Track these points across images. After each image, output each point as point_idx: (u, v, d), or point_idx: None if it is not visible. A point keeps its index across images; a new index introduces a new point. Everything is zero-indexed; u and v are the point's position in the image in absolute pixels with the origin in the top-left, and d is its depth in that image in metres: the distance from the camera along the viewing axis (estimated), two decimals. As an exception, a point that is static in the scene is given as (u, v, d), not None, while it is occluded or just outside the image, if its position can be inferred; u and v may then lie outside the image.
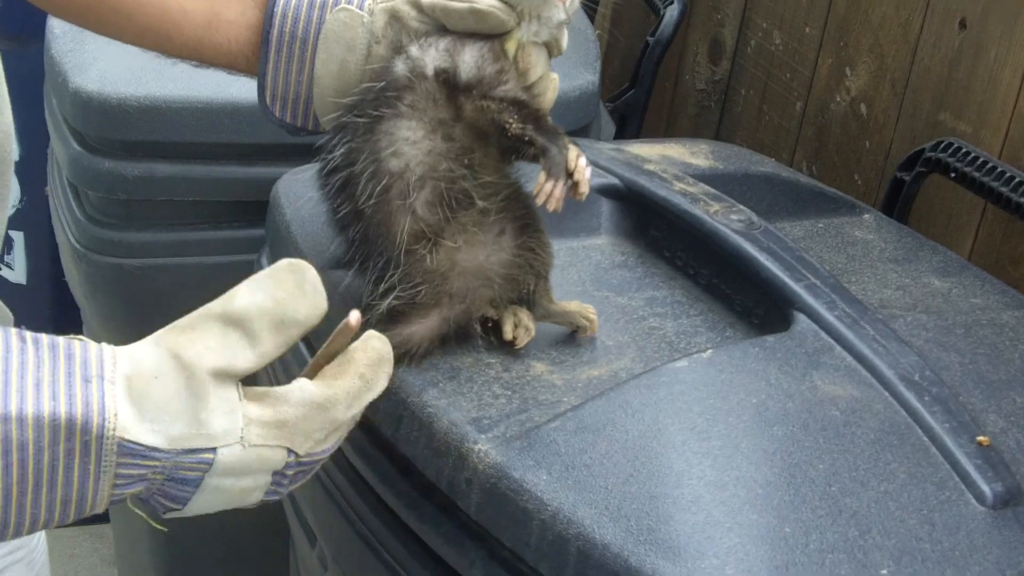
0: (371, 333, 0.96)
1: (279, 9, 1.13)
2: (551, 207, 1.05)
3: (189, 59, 1.17)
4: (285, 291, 0.89)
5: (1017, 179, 1.46)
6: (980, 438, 1.03)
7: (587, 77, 1.79)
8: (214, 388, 0.87)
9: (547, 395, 1.08)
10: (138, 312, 1.75)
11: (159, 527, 0.93)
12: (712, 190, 1.33)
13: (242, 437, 0.87)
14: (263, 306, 0.88)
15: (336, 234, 1.12)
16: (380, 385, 0.95)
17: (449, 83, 1.07)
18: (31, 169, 2.40)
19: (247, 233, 1.76)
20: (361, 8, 1.12)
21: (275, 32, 1.13)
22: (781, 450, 0.99)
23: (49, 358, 0.83)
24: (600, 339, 1.17)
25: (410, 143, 1.05)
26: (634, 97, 2.00)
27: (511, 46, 1.09)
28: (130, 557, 2.18)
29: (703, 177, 1.39)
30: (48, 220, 2.08)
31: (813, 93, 1.95)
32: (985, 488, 0.99)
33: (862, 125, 1.85)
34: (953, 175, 1.54)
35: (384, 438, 1.10)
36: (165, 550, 1.97)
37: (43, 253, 2.53)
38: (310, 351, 1.23)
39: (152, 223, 1.76)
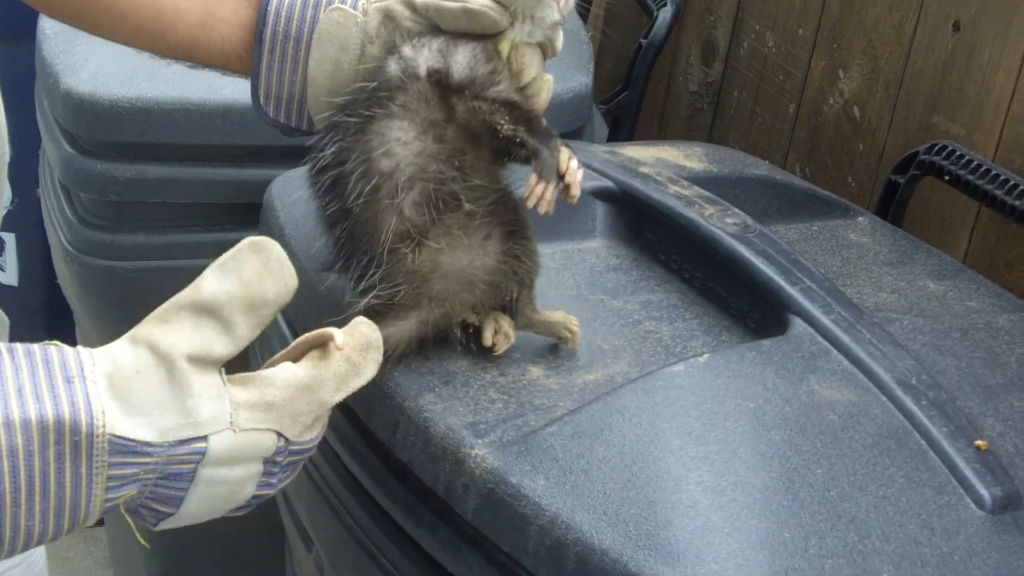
0: (359, 319, 0.96)
1: (272, 8, 1.12)
2: (542, 209, 1.04)
3: (183, 59, 1.17)
4: (251, 272, 0.89)
5: (1011, 182, 1.46)
6: (978, 442, 1.03)
7: (580, 79, 1.79)
8: (197, 376, 0.87)
9: (543, 399, 1.07)
10: (130, 314, 1.72)
11: (143, 542, 0.92)
12: (707, 193, 1.33)
13: (232, 422, 0.87)
14: (231, 291, 0.88)
15: (323, 232, 1.11)
16: (368, 371, 0.95)
17: (442, 84, 1.07)
18: (22, 170, 2.39)
19: (240, 236, 1.70)
20: (355, 8, 1.11)
21: (268, 31, 1.12)
22: (779, 455, 0.99)
23: (27, 365, 0.83)
24: (596, 343, 1.16)
25: (401, 143, 1.05)
26: (627, 99, 2.00)
27: (504, 47, 1.09)
28: (124, 561, 2.17)
29: (697, 180, 1.38)
30: (40, 222, 2.07)
31: (806, 95, 1.95)
32: (984, 492, 0.99)
33: (855, 127, 1.85)
34: (947, 178, 1.54)
35: (380, 443, 1.10)
36: (160, 554, 1.96)
37: (35, 255, 2.52)
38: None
39: (144, 225, 1.76)
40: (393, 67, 1.08)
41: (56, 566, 2.54)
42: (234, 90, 1.65)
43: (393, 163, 1.05)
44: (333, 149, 1.07)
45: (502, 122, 1.04)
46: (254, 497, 0.92)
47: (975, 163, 1.51)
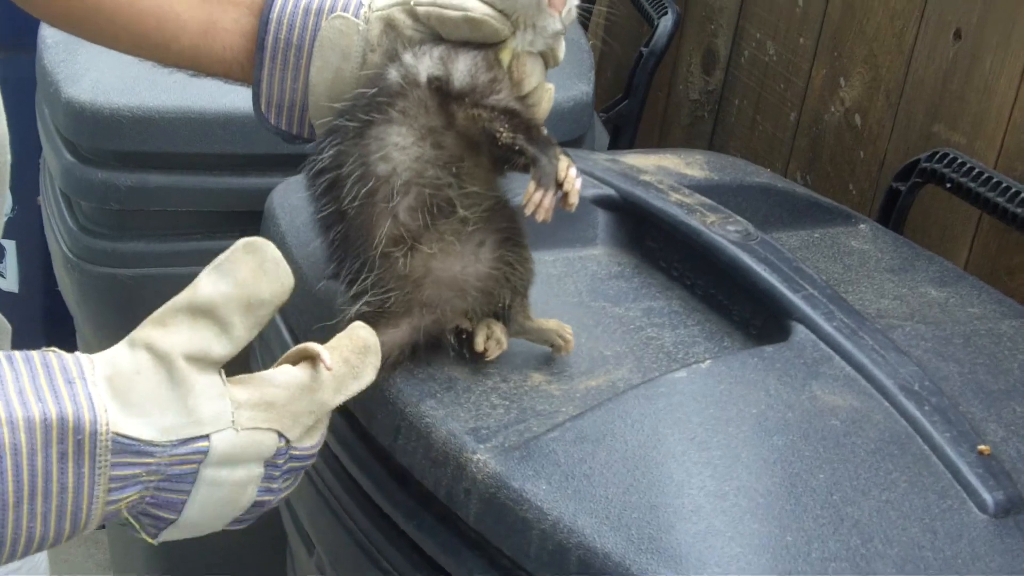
0: (357, 324, 0.97)
1: (275, 15, 1.13)
2: (539, 217, 1.04)
3: (185, 68, 1.17)
4: (247, 273, 0.89)
5: (1013, 189, 1.46)
6: (981, 447, 1.03)
7: (581, 88, 1.79)
8: (197, 376, 0.87)
9: (545, 405, 1.07)
10: (131, 321, 1.72)
11: (148, 539, 0.92)
12: (708, 201, 1.33)
13: (233, 421, 0.87)
14: (227, 292, 0.88)
15: (318, 235, 1.11)
16: (367, 375, 0.95)
17: (442, 91, 1.07)
18: (22, 178, 2.39)
19: (241, 243, 1.74)
20: (357, 16, 1.12)
21: (270, 38, 1.13)
22: (781, 460, 0.99)
23: (26, 369, 0.83)
24: (598, 349, 1.16)
25: (399, 148, 1.05)
26: (628, 107, 2.00)
27: (506, 55, 1.09)
28: (125, 563, 2.17)
29: (699, 188, 1.38)
30: (40, 229, 2.07)
31: (807, 103, 1.95)
32: (987, 497, 0.99)
33: (856, 135, 1.85)
34: (949, 186, 1.54)
35: (382, 448, 1.10)
36: (160, 557, 1.96)
37: (35, 262, 2.52)
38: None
39: (145, 233, 1.76)
40: (393, 74, 1.08)
41: (56, 568, 2.54)
42: (235, 99, 1.66)
43: (390, 167, 1.05)
44: (331, 152, 1.07)
45: (501, 130, 1.05)
46: (254, 505, 0.92)
47: (977, 171, 1.51)
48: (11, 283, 2.58)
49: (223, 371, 0.90)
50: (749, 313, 1.21)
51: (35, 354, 0.85)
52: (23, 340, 1.44)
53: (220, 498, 0.89)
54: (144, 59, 1.17)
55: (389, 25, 1.11)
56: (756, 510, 0.95)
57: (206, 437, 0.86)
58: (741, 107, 2.12)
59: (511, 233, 1.09)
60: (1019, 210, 1.45)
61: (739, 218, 1.30)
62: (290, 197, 1.37)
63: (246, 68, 1.16)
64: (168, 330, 0.88)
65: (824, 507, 0.96)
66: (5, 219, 1.48)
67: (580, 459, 0.98)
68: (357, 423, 1.13)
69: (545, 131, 1.07)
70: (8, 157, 1.29)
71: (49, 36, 1.84)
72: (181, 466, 0.86)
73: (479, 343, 1.09)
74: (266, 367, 1.33)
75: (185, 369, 0.87)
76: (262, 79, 1.14)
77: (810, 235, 1.44)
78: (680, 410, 1.03)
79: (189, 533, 0.91)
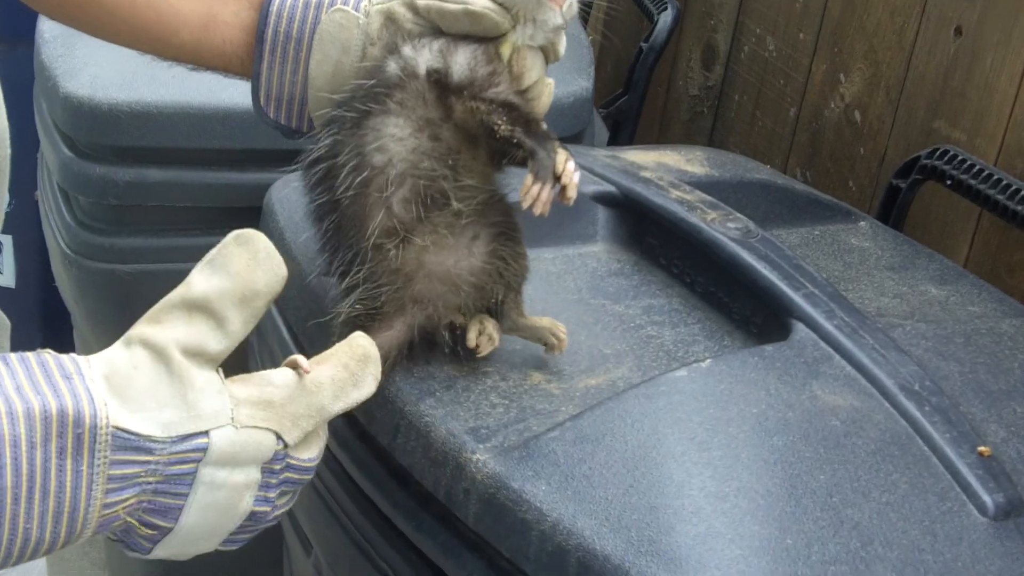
0: (357, 334, 0.97)
1: (274, 9, 1.12)
2: (537, 210, 1.03)
3: (185, 62, 1.16)
4: (240, 265, 0.89)
5: (1014, 187, 1.46)
6: (981, 448, 1.03)
7: (581, 83, 1.79)
8: (196, 371, 0.87)
9: (545, 404, 1.07)
10: (129, 317, 1.71)
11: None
12: (709, 198, 1.33)
13: (232, 418, 0.87)
14: (222, 285, 0.88)
15: (311, 225, 1.11)
16: (367, 385, 0.95)
17: (440, 83, 1.06)
18: (19, 173, 2.38)
19: (239, 239, 1.74)
20: (357, 9, 1.11)
21: (270, 31, 1.12)
22: (782, 460, 0.99)
23: (22, 368, 0.83)
24: (597, 347, 1.16)
25: (396, 139, 1.05)
26: (628, 103, 2.00)
27: (506, 49, 1.08)
28: (120, 562, 2.17)
29: (699, 184, 1.38)
30: (37, 224, 2.07)
31: (807, 99, 1.94)
32: (987, 499, 0.99)
33: (856, 132, 1.85)
34: (949, 183, 1.54)
35: (381, 447, 1.09)
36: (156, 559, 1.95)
37: (32, 257, 2.51)
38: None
39: (143, 229, 1.75)
40: (392, 66, 1.08)
41: (51, 566, 2.53)
42: (233, 94, 1.66)
43: (386, 158, 1.04)
44: (327, 142, 1.07)
45: (499, 122, 1.04)
46: (250, 517, 0.91)
47: (977, 168, 1.51)
48: (8, 278, 2.57)
49: (220, 370, 0.90)
50: (749, 311, 1.21)
51: (30, 355, 0.85)
52: (19, 336, 1.44)
53: (218, 503, 0.88)
54: (144, 52, 1.17)
55: (389, 19, 1.11)
56: (756, 512, 0.94)
57: (205, 434, 0.86)
58: (741, 103, 2.11)
59: (505, 228, 1.09)
60: (1020, 207, 1.45)
61: (739, 215, 1.29)
62: (289, 193, 1.36)
63: (246, 62, 1.15)
64: (163, 326, 0.87)
65: (824, 509, 0.95)
66: (3, 213, 1.48)
67: (580, 459, 0.98)
68: (356, 422, 1.12)
69: (544, 125, 1.07)
70: (8, 151, 1.29)
71: (47, 30, 1.83)
72: (180, 465, 0.85)
73: (471, 339, 1.08)
74: (264, 365, 1.34)
75: (183, 364, 0.86)
76: (261, 72, 1.14)
77: (810, 232, 1.44)
78: (680, 410, 1.02)
79: (183, 547, 0.90)
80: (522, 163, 1.05)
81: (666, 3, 1.98)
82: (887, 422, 1.04)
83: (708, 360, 1.08)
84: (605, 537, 0.93)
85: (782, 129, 2.00)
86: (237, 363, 0.96)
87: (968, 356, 1.16)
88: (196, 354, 0.87)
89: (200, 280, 0.88)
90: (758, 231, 1.27)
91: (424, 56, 1.07)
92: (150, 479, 0.84)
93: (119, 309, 1.78)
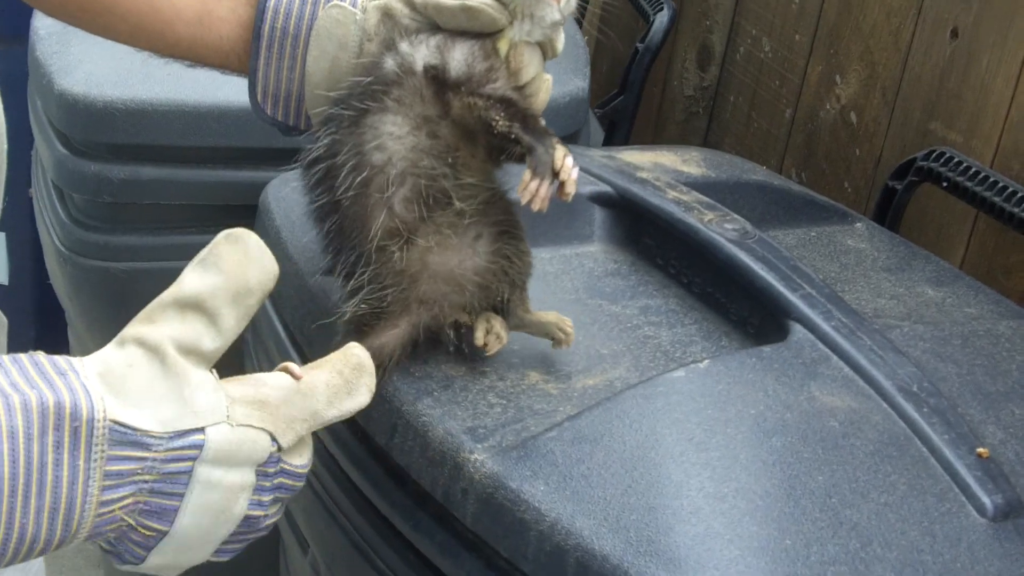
0: (352, 344, 0.97)
1: (271, 4, 1.12)
2: (535, 206, 1.03)
3: (182, 58, 1.16)
4: (232, 262, 0.89)
5: (1010, 189, 1.46)
6: (979, 450, 1.03)
7: (577, 83, 1.79)
8: (192, 369, 0.87)
9: (542, 404, 1.07)
10: (124, 315, 1.71)
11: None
12: (705, 199, 1.33)
13: (228, 415, 0.86)
14: (214, 283, 0.88)
15: (313, 225, 1.11)
16: (361, 394, 0.95)
17: (437, 80, 1.06)
18: (13, 170, 2.38)
19: (234, 237, 1.74)
20: (354, 5, 1.11)
21: (267, 27, 1.12)
22: (780, 461, 0.99)
23: (15, 368, 0.83)
24: (594, 348, 1.16)
25: (394, 138, 1.04)
26: (623, 103, 2.00)
27: (503, 45, 1.08)
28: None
29: (695, 185, 1.38)
30: (30, 221, 2.06)
31: (803, 100, 1.94)
32: (985, 500, 0.99)
33: (852, 133, 1.85)
34: (945, 184, 1.54)
35: (378, 447, 1.09)
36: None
37: (25, 254, 2.51)
38: (304, 362, 1.22)
39: (138, 226, 1.75)
40: (389, 62, 1.07)
41: (46, 563, 2.52)
42: (229, 92, 1.65)
43: (385, 157, 1.04)
44: (326, 141, 1.07)
45: (497, 118, 1.03)
46: (244, 521, 0.91)
47: (973, 170, 1.51)
48: (1, 276, 2.56)
49: (215, 371, 0.90)
50: (747, 312, 1.21)
51: (21, 355, 0.84)
52: (12, 333, 1.43)
53: (213, 504, 0.88)
54: (140, 49, 1.16)
55: (386, 14, 1.10)
56: (755, 512, 0.94)
57: (202, 430, 0.86)
58: (736, 103, 2.11)
59: (508, 226, 1.08)
60: (1016, 209, 1.45)
61: (737, 216, 1.29)
62: (285, 192, 1.36)
63: (243, 59, 1.15)
64: (157, 325, 0.87)
65: (823, 510, 0.95)
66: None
67: (578, 459, 0.98)
68: (354, 422, 1.12)
69: (542, 122, 1.06)
70: (5, 145, 1.28)
71: (42, 28, 1.82)
72: (177, 463, 0.85)
73: (479, 338, 1.08)
74: (260, 366, 1.33)
75: (179, 361, 0.86)
76: (258, 69, 1.13)
77: (806, 233, 1.44)
78: (678, 410, 1.02)
79: (177, 554, 0.89)
80: (520, 159, 1.05)
81: (662, 4, 1.98)
82: (885, 423, 1.04)
83: (706, 361, 1.08)
84: (604, 537, 0.93)
85: (777, 130, 2.00)
86: (233, 366, 0.95)
87: (966, 358, 1.16)
88: (191, 352, 0.87)
89: (192, 279, 0.89)
90: (755, 232, 1.27)
91: (421, 52, 1.07)
92: (147, 477, 0.84)
93: (114, 307, 1.78)
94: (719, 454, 0.98)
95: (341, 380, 0.94)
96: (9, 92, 1.65)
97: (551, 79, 1.12)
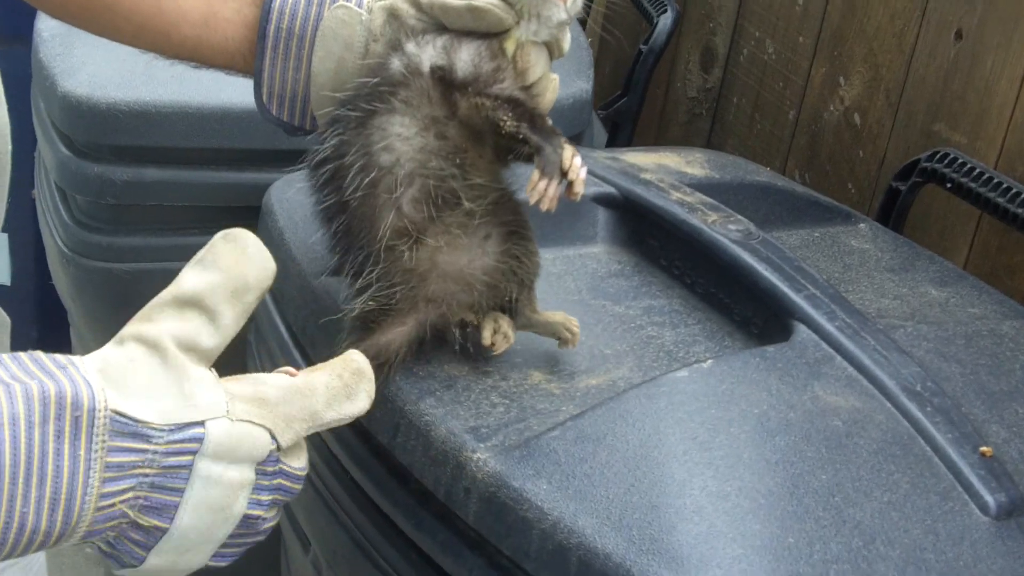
0: (352, 351, 0.97)
1: (276, 4, 1.12)
2: (544, 206, 1.02)
3: (186, 59, 1.16)
4: (230, 260, 0.90)
5: (1014, 190, 1.46)
6: (983, 449, 1.02)
7: (580, 85, 1.79)
8: (191, 365, 0.87)
9: (545, 404, 1.07)
10: (126, 316, 1.71)
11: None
12: (709, 200, 1.33)
13: (228, 410, 0.87)
14: (212, 280, 0.89)
15: (320, 226, 1.10)
16: (360, 399, 0.95)
17: (444, 80, 1.06)
18: (16, 171, 2.38)
19: (237, 239, 1.74)
20: (359, 5, 1.11)
21: (272, 28, 1.11)
22: (783, 460, 0.99)
23: (15, 364, 0.83)
24: (598, 348, 1.16)
25: (402, 139, 1.04)
26: (626, 105, 1.99)
27: (510, 45, 1.08)
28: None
29: (699, 186, 1.38)
30: (33, 222, 2.06)
31: (806, 102, 1.94)
32: (989, 499, 0.99)
33: (856, 135, 1.85)
34: (949, 186, 1.54)
35: (381, 446, 1.09)
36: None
37: (28, 255, 2.51)
38: (307, 363, 1.22)
39: (141, 228, 1.75)
40: (396, 63, 1.07)
41: (48, 560, 2.52)
42: (232, 93, 1.66)
43: (393, 158, 1.04)
44: (333, 142, 1.06)
45: (505, 118, 1.03)
46: (243, 522, 0.90)
47: (978, 171, 1.51)
48: (3, 276, 2.57)
49: (214, 370, 0.90)
50: (750, 312, 1.21)
51: (21, 354, 0.85)
52: (14, 334, 1.44)
53: (213, 501, 0.87)
54: (145, 50, 1.16)
55: (392, 14, 1.10)
56: (758, 511, 0.94)
57: (202, 424, 0.86)
58: (740, 105, 2.11)
59: (517, 226, 1.08)
60: (1020, 210, 1.45)
61: (740, 217, 1.29)
62: (288, 193, 1.36)
63: (248, 59, 1.15)
64: (156, 322, 0.88)
65: (826, 508, 0.95)
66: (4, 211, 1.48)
67: (581, 459, 0.98)
68: (356, 421, 1.12)
69: (549, 121, 1.06)
70: (9, 146, 1.28)
71: (45, 29, 1.82)
72: (177, 456, 0.85)
73: (486, 337, 1.08)
74: (263, 365, 1.33)
75: (178, 356, 0.87)
76: (263, 69, 1.13)
77: (810, 234, 1.43)
78: (682, 410, 1.02)
79: (177, 555, 0.89)
80: (528, 159, 1.05)
81: (665, 5, 1.98)
82: (889, 422, 1.04)
83: (709, 360, 1.08)
84: (606, 536, 0.92)
85: (781, 132, 2.00)
86: (235, 367, 0.95)
87: (969, 357, 1.16)
88: (190, 349, 0.88)
89: (190, 277, 0.90)
90: (759, 233, 1.26)
91: (428, 53, 1.07)
92: (147, 471, 0.84)
93: (117, 308, 1.77)
94: (722, 453, 0.98)
95: (340, 383, 0.94)
96: (12, 93, 1.65)
97: (557, 79, 1.12)
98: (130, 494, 0.84)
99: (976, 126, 1.63)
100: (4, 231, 2.48)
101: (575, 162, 1.03)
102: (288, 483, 0.93)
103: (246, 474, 0.89)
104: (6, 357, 0.83)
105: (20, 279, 2.56)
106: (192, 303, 0.88)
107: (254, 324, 1.40)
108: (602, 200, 1.35)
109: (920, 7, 1.71)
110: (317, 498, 1.18)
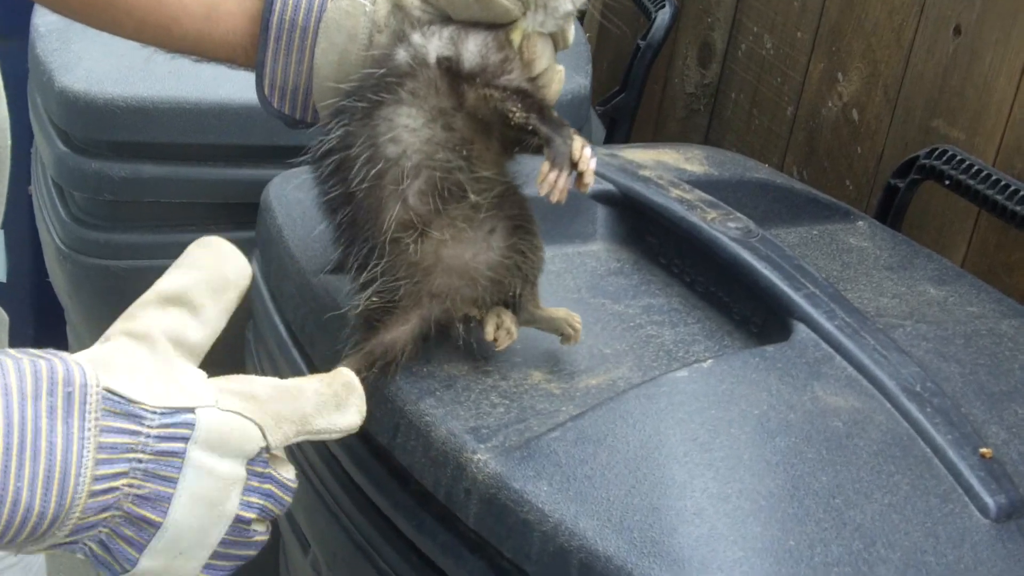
0: (341, 368, 0.97)
1: None
2: (554, 198, 1.02)
3: (188, 53, 1.15)
4: (208, 260, 0.92)
5: (1013, 187, 1.46)
6: (983, 450, 1.02)
7: (578, 80, 1.78)
8: (179, 358, 0.88)
9: (545, 404, 1.07)
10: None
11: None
12: (708, 197, 1.32)
13: (217, 401, 0.87)
14: (194, 277, 0.91)
15: (324, 217, 1.10)
16: (350, 413, 0.94)
17: (451, 71, 1.05)
18: (13, 166, 2.38)
19: (235, 235, 1.70)
20: None
21: (275, 19, 1.11)
22: (784, 462, 0.98)
23: (2, 355, 0.82)
24: (597, 347, 1.16)
25: (409, 130, 1.03)
26: (624, 101, 1.99)
27: (516, 36, 1.07)
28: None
29: (698, 183, 1.38)
30: (28, 218, 2.06)
31: (804, 98, 1.94)
32: (989, 500, 0.99)
33: (854, 131, 1.85)
34: (948, 182, 1.53)
35: (380, 447, 1.09)
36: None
37: (25, 252, 2.50)
38: (305, 360, 1.22)
39: (138, 224, 1.75)
40: (402, 54, 1.06)
41: (46, 564, 2.52)
42: (230, 89, 1.65)
43: (400, 149, 1.03)
44: (339, 133, 1.06)
45: (514, 109, 1.03)
46: (234, 530, 0.90)
47: (976, 168, 1.51)
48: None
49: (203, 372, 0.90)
50: (750, 311, 1.21)
51: (9, 349, 0.85)
52: (11, 331, 1.43)
53: (206, 494, 0.87)
54: (146, 44, 1.15)
55: (396, 6, 1.09)
56: (759, 513, 0.94)
57: (192, 411, 0.86)
58: (737, 101, 2.11)
59: (522, 220, 1.08)
60: (1018, 207, 1.45)
61: (740, 215, 1.29)
62: (286, 189, 1.36)
63: (250, 53, 1.14)
64: (141, 319, 0.89)
65: (827, 510, 0.95)
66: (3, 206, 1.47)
67: (581, 460, 0.98)
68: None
69: (556, 113, 1.06)
70: (8, 141, 1.28)
71: (42, 24, 1.82)
72: (169, 442, 0.85)
73: (489, 332, 1.07)
74: (262, 364, 1.33)
75: (167, 348, 0.88)
76: (266, 61, 1.13)
77: (809, 232, 1.43)
78: (682, 410, 1.02)
79: (171, 555, 0.88)
80: (536, 151, 1.04)
81: (664, 1, 1.98)
82: (889, 423, 1.04)
83: (709, 360, 1.08)
84: (607, 538, 0.92)
85: (779, 128, 2.00)
86: (233, 368, 0.95)
87: (969, 357, 1.16)
88: (177, 343, 0.89)
89: (170, 278, 0.91)
90: (758, 231, 1.26)
91: (434, 44, 1.06)
92: (141, 456, 0.84)
93: (113, 305, 1.75)
94: (723, 454, 0.98)
95: (330, 391, 0.94)
96: (8, 89, 1.65)
97: (563, 70, 1.11)
98: (123, 480, 0.84)
99: (975, 122, 1.63)
100: (1, 228, 2.47)
101: (585, 153, 1.02)
102: (279, 492, 0.92)
103: (238, 469, 0.89)
104: None
105: (16, 276, 2.55)
106: (175, 300, 0.90)
107: (252, 322, 1.40)
108: (601, 197, 1.35)
109: (919, 2, 1.71)
110: (317, 499, 1.18)
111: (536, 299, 1.10)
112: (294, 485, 0.93)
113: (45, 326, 2.57)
